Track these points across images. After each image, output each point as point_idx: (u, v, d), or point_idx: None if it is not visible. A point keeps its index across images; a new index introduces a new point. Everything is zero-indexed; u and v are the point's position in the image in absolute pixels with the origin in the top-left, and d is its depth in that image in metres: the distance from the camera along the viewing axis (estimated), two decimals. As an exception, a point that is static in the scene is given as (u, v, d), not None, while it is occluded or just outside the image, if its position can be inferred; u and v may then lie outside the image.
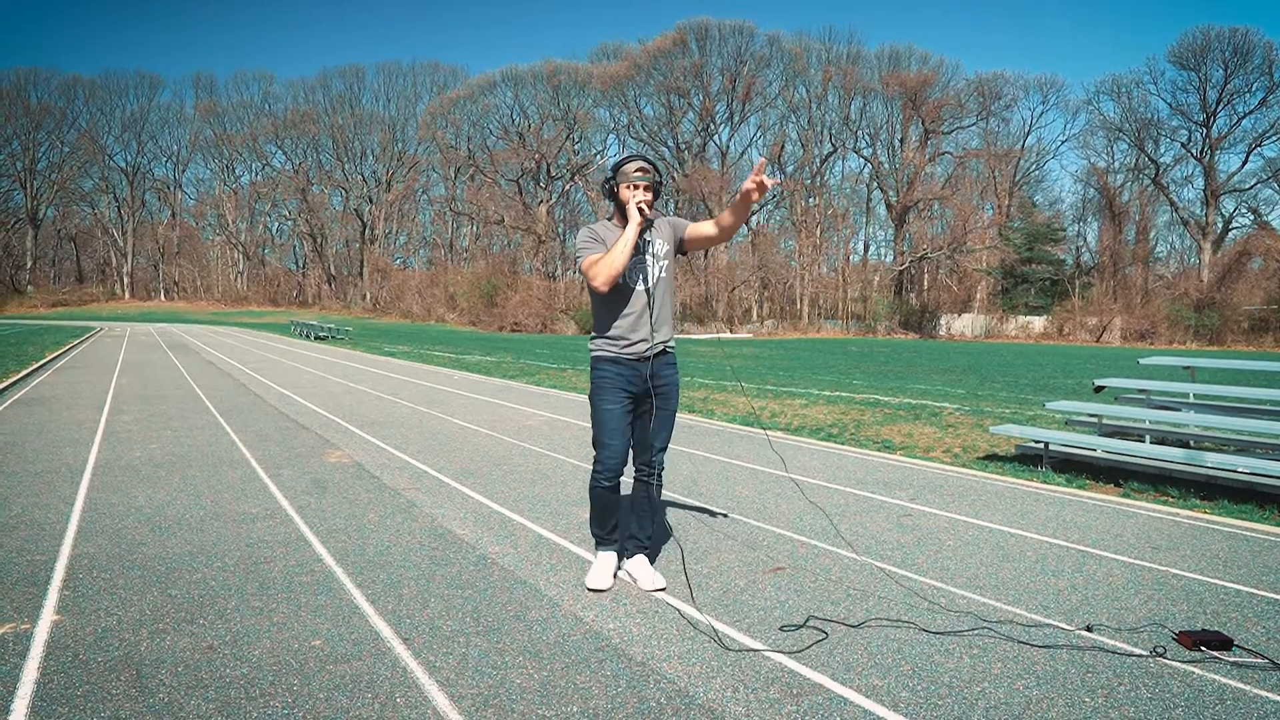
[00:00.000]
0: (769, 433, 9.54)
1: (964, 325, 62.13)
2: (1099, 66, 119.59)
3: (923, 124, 71.68)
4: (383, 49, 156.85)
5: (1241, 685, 3.07)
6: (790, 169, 75.82)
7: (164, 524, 5.25)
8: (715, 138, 77.41)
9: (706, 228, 4.15)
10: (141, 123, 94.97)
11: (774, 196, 76.46)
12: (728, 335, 56.67)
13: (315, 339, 38.94)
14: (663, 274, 4.15)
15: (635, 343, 4.09)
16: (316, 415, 10.77)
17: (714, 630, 3.54)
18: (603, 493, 4.18)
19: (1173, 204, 69.10)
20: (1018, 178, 74.25)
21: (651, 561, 4.34)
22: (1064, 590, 4.12)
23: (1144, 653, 3.35)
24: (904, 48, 76.47)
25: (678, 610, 3.80)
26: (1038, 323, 59.24)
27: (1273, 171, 63.32)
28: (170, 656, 3.23)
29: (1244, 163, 65.44)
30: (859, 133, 75.64)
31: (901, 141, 73.47)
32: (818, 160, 75.27)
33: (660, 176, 4.15)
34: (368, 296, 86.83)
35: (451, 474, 6.98)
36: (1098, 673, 3.17)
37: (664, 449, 4.23)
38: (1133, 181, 69.93)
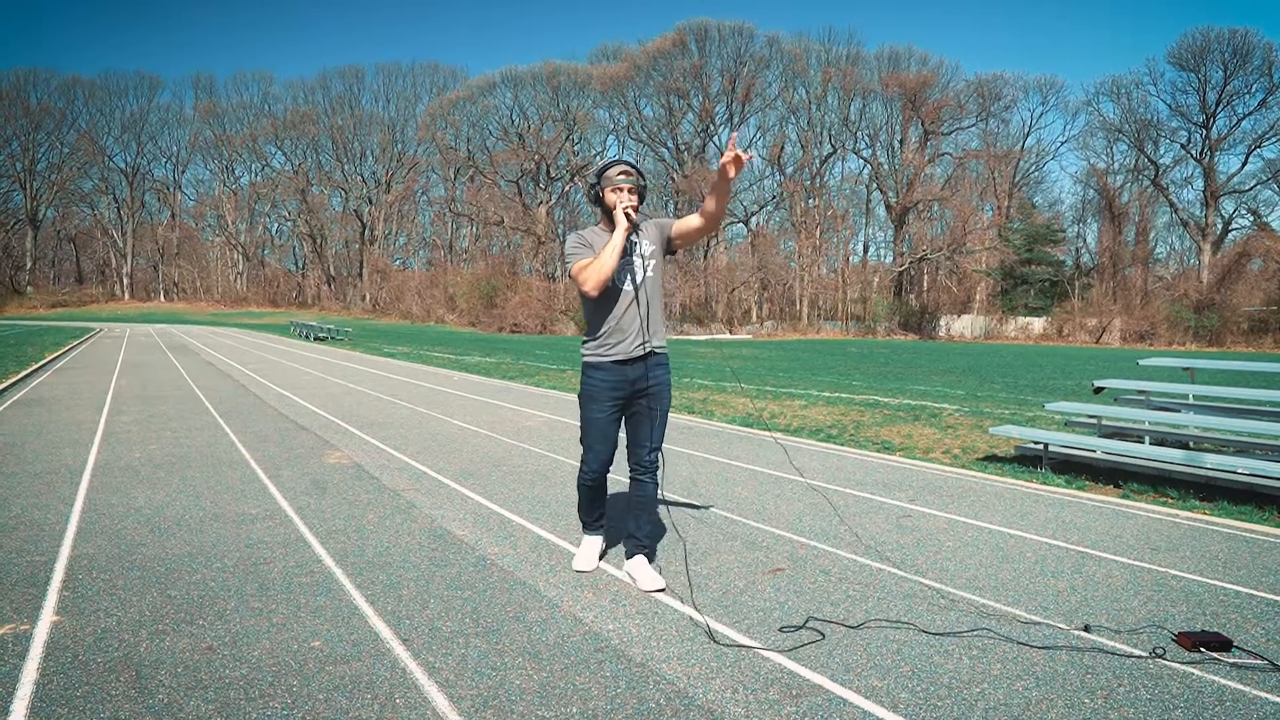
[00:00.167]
0: (775, 435, 9.53)
1: (963, 326, 62.14)
2: (1098, 67, 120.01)
3: (922, 125, 71.72)
4: (382, 50, 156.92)
5: (1241, 686, 3.07)
6: (790, 170, 75.89)
7: (163, 525, 5.25)
8: (715, 139, 77.36)
9: (692, 220, 4.20)
10: (141, 123, 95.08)
11: (773, 197, 76.55)
12: (727, 336, 56.67)
13: (315, 340, 38.95)
14: (650, 274, 4.19)
15: (624, 343, 4.13)
16: (316, 416, 10.77)
17: (707, 626, 3.54)
18: (588, 488, 4.41)
19: (1172, 205, 69.16)
20: (1017, 179, 74.31)
21: (650, 561, 4.36)
22: (1063, 591, 4.12)
23: (1143, 654, 3.35)
24: (903, 48, 76.61)
25: (677, 611, 3.80)
26: (1037, 324, 59.25)
27: (1272, 173, 63.40)
28: (170, 657, 3.23)
29: (1243, 164, 65.58)
30: (858, 134, 75.73)
31: (901, 142, 73.53)
32: (817, 161, 75.30)
33: (644, 179, 4.22)
34: (367, 297, 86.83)
35: (451, 475, 6.98)
36: (1097, 674, 3.17)
37: (657, 448, 4.23)
38: (1132, 182, 70.02)
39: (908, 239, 72.41)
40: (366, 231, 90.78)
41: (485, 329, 59.57)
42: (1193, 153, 66.83)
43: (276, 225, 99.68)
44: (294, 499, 6.00)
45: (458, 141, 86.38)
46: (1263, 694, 3.01)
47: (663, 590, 4.11)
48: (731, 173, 3.82)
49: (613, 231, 4.10)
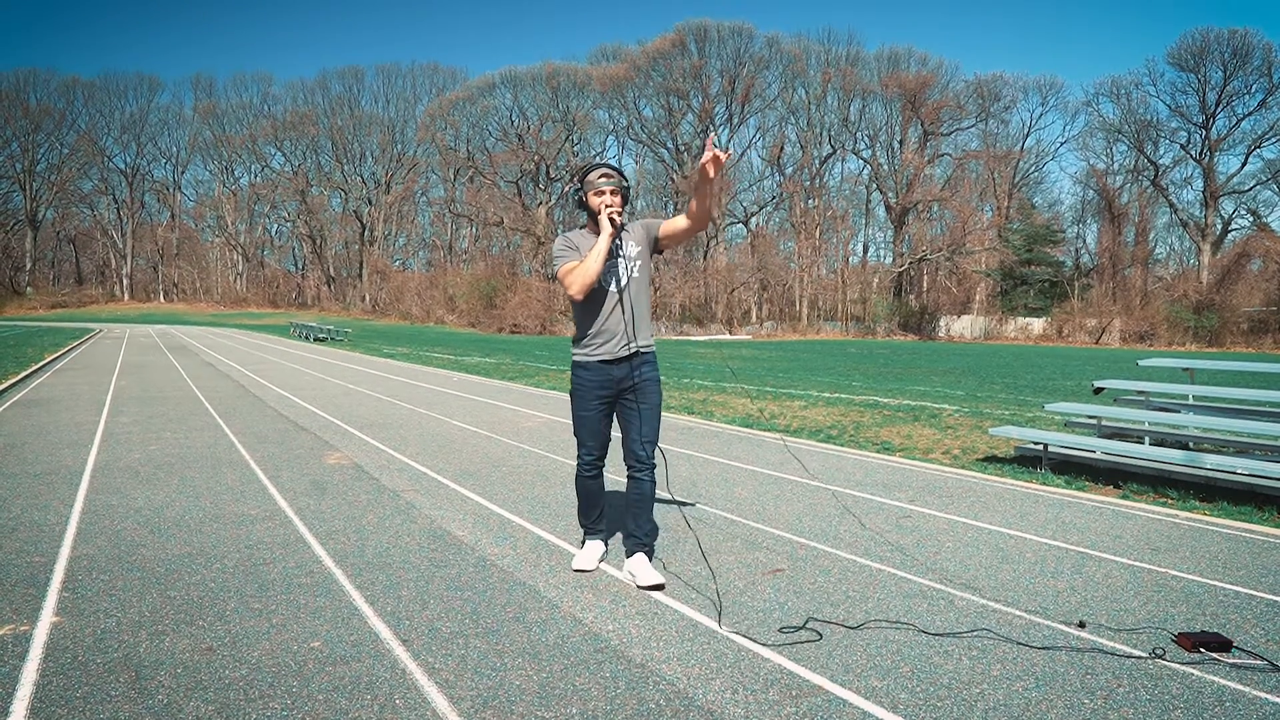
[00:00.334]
0: (783, 437, 9.53)
1: (963, 327, 62.16)
2: (1098, 68, 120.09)
3: (922, 125, 71.75)
4: (382, 51, 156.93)
5: (1240, 687, 3.07)
6: (789, 170, 75.94)
7: (163, 526, 5.25)
8: (715, 139, 77.27)
9: (679, 221, 4.25)
10: (141, 124, 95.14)
11: (773, 198, 76.60)
12: (726, 337, 56.67)
13: (314, 340, 38.96)
14: (635, 274, 4.26)
15: (610, 344, 4.21)
16: (315, 417, 10.77)
17: (719, 605, 3.54)
18: (585, 483, 4.47)
19: (1172, 206, 69.20)
20: (1017, 179, 74.35)
21: (650, 559, 4.39)
22: (1063, 592, 4.12)
23: (1143, 654, 3.35)
24: (903, 49, 76.71)
25: (677, 611, 3.80)
26: (1037, 324, 59.26)
27: (1272, 173, 63.44)
28: (169, 658, 3.23)
29: (1243, 164, 65.61)
30: (858, 134, 75.81)
31: (900, 143, 73.57)
32: (817, 162, 75.35)
33: (626, 180, 4.28)
34: (367, 298, 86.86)
35: (450, 475, 6.98)
36: (1097, 674, 3.17)
37: (652, 443, 4.27)
38: (1132, 183, 70.06)
39: (907, 239, 72.45)
40: (366, 232, 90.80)
41: (485, 330, 59.58)
42: (1192, 153, 66.90)
43: (276, 226, 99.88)
44: (294, 500, 6.00)
45: (457, 142, 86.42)
46: (1262, 694, 3.01)
47: (662, 587, 4.13)
48: (711, 172, 3.89)
49: (598, 234, 4.17)
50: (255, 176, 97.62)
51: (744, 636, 3.51)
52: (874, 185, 75.85)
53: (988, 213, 72.44)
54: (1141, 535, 5.27)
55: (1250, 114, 63.68)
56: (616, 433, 4.40)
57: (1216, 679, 3.14)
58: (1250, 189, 65.42)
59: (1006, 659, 3.30)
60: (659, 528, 5.22)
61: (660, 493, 6.08)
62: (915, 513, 5.81)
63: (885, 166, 74.76)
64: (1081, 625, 3.66)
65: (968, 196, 71.96)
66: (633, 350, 4.21)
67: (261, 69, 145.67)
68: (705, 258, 69.56)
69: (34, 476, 6.78)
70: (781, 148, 76.45)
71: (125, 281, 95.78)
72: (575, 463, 4.50)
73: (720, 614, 3.78)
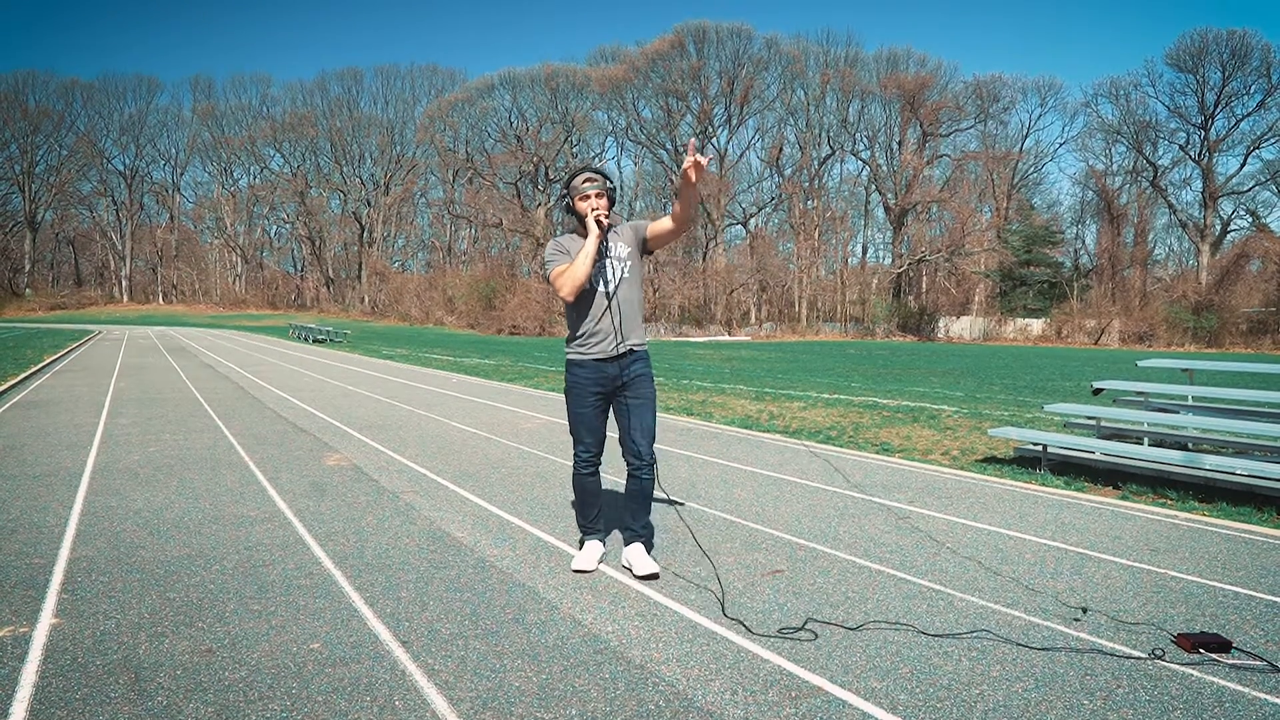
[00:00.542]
0: (809, 444, 9.53)
1: (962, 328, 62.21)
2: (1097, 69, 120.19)
3: (921, 126, 71.80)
4: (381, 52, 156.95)
5: (1240, 688, 3.08)
6: (788, 171, 75.98)
7: (162, 527, 5.25)
8: (714, 140, 77.46)
9: (665, 223, 4.37)
10: (139, 126, 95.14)
11: (772, 199, 76.63)
12: (725, 338, 56.67)
13: (313, 342, 38.95)
14: (626, 275, 4.38)
15: (604, 342, 4.33)
16: (315, 418, 10.76)
17: (721, 597, 3.54)
18: (583, 480, 4.51)
19: (1171, 206, 69.26)
20: (1016, 180, 74.40)
21: (649, 551, 4.53)
22: (1062, 592, 4.12)
23: (1142, 655, 3.35)
24: (902, 50, 76.78)
25: (677, 612, 3.80)
26: (1036, 325, 59.31)
27: (1271, 174, 63.49)
28: (169, 660, 3.23)
29: (1242, 165, 65.73)
30: (857, 135, 75.90)
31: (899, 144, 73.62)
32: (816, 163, 75.41)
33: (611, 182, 4.40)
34: (366, 299, 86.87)
35: (450, 477, 6.98)
36: (1096, 675, 3.17)
37: (649, 439, 4.36)
38: (1131, 184, 70.13)
39: (906, 240, 72.51)
40: (365, 234, 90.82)
41: (484, 331, 59.59)
42: (1191, 154, 66.99)
43: (275, 227, 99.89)
44: (293, 501, 6.00)
45: (456, 144, 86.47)
46: (1262, 695, 3.01)
47: (657, 576, 4.28)
48: (693, 177, 3.98)
49: (586, 238, 4.29)
50: (254, 178, 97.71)
51: (744, 637, 3.51)
52: (873, 186, 75.94)
53: (987, 214, 72.55)
54: (1141, 536, 5.27)
55: (1249, 115, 63.85)
56: (612, 430, 4.47)
57: (1216, 679, 3.14)
58: (1249, 190, 65.55)
59: (1006, 660, 3.30)
60: (655, 528, 5.23)
61: (658, 493, 6.09)
62: (914, 514, 5.81)
63: (884, 167, 74.83)
64: (1084, 611, 3.68)
65: (966, 197, 72.04)
66: (625, 349, 4.33)
67: (260, 70, 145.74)
68: (704, 259, 69.65)
69: (33, 478, 6.77)
70: (780, 149, 76.53)
71: (124, 283, 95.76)
72: (572, 462, 4.54)
73: (723, 603, 3.85)
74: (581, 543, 4.61)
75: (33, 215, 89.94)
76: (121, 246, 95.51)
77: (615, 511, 5.03)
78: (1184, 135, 67.17)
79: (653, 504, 4.59)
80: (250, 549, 4.77)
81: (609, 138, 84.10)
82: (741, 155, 79.33)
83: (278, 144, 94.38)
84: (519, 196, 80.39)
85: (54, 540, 4.94)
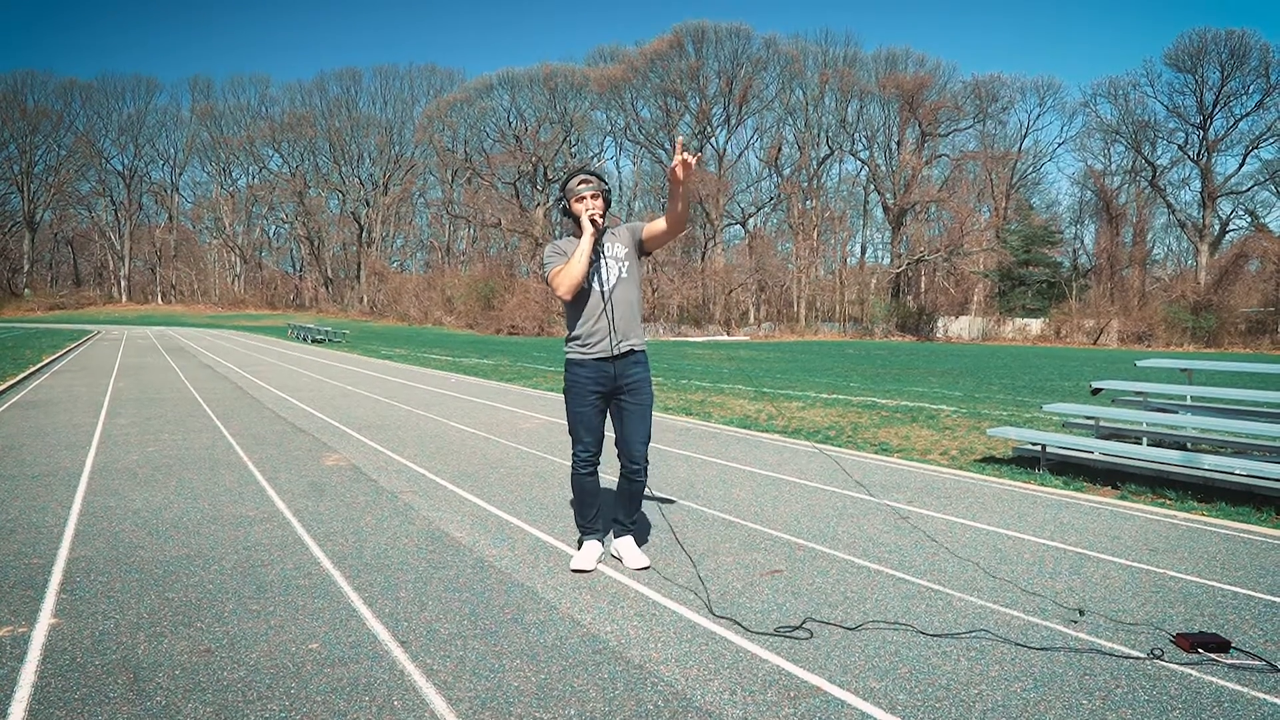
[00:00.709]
0: (820, 446, 9.53)
1: (961, 327, 62.22)
2: (1096, 69, 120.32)
3: (919, 126, 71.82)
4: (379, 52, 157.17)
5: (1239, 688, 3.08)
6: (787, 171, 75.98)
7: (161, 527, 5.25)
8: (712, 140, 77.52)
9: (659, 224, 4.42)
10: (138, 126, 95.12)
11: (771, 199, 76.64)
12: (724, 338, 56.68)
13: (312, 342, 38.94)
14: (623, 275, 4.45)
15: (598, 343, 4.39)
16: (313, 418, 10.76)
17: (707, 597, 3.54)
18: (581, 479, 4.54)
19: (1170, 206, 69.28)
20: (1015, 180, 74.42)
21: (639, 545, 4.64)
22: (1061, 592, 4.13)
23: (1141, 655, 3.35)
24: (901, 50, 76.84)
25: (676, 613, 3.80)
26: (1035, 325, 59.33)
27: (1270, 174, 63.50)
28: (168, 660, 3.23)
29: (1241, 165, 65.75)
30: (856, 135, 75.93)
31: (898, 144, 73.64)
32: (815, 163, 75.44)
33: (606, 184, 4.49)
34: (365, 299, 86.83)
35: (449, 477, 6.98)
36: (1095, 675, 3.17)
37: (645, 442, 4.47)
38: (1129, 184, 70.17)
39: (905, 240, 72.51)
40: (364, 234, 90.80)
41: (483, 331, 59.57)
42: (1190, 154, 67.03)
43: (274, 228, 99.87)
44: (292, 501, 5.99)
45: (455, 144, 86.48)
46: (1261, 695, 3.01)
47: (647, 568, 4.41)
48: (680, 175, 4.03)
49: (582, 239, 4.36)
50: (253, 178, 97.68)
51: (742, 637, 3.51)
52: (871, 186, 75.96)
53: (985, 214, 72.54)
54: (1140, 536, 5.27)
55: (1248, 115, 63.90)
56: (609, 430, 4.51)
57: (1215, 679, 3.14)
58: (1248, 189, 65.57)
59: (1005, 660, 3.30)
60: (652, 527, 5.24)
61: (654, 492, 6.10)
62: (913, 514, 5.81)
63: (883, 167, 74.85)
64: (1081, 613, 3.69)
65: (965, 197, 72.03)
66: (625, 349, 4.39)
67: (259, 70, 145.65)
68: (703, 259, 69.63)
69: (32, 478, 6.77)
70: (779, 149, 76.51)
71: (123, 283, 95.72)
72: (570, 462, 4.57)
73: (710, 603, 3.87)
74: (580, 543, 4.62)
75: (31, 215, 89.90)
76: (120, 247, 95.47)
77: (612, 511, 5.03)
78: (1183, 135, 67.31)
79: (654, 504, 4.60)
80: (249, 549, 4.77)
81: (608, 138, 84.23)
82: (740, 155, 79.45)
83: (276, 144, 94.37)
84: (517, 196, 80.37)
85: (53, 540, 4.94)
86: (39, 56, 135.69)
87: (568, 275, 4.29)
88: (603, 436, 4.52)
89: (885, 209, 74.35)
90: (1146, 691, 3.03)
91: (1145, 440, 7.96)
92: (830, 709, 2.89)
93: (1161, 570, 4.53)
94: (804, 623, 3.66)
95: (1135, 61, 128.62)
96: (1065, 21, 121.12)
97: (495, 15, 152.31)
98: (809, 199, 74.57)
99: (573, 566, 4.44)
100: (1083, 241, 74.07)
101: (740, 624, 3.65)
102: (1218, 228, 65.79)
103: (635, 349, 4.44)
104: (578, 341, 4.43)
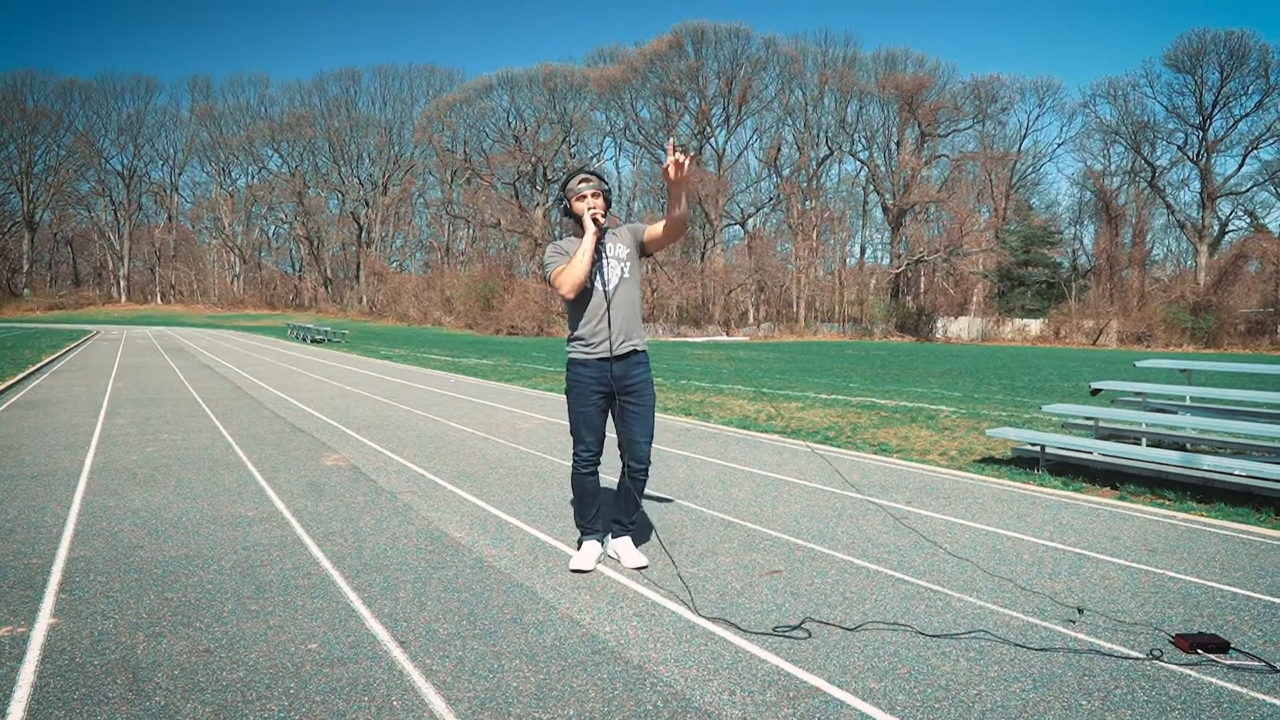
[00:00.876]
0: (812, 445, 9.53)
1: (960, 328, 62.23)
2: (1095, 69, 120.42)
3: (919, 127, 71.85)
4: (379, 52, 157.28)
5: (1238, 688, 3.08)
6: (786, 172, 76.00)
7: (160, 527, 5.25)
8: (712, 141, 77.52)
9: (660, 226, 4.43)
10: (138, 126, 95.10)
11: (770, 199, 76.65)
12: (724, 338, 56.68)
13: (311, 342, 38.93)
14: (625, 275, 4.45)
15: (601, 343, 4.39)
16: (313, 418, 10.76)
17: (691, 599, 3.54)
18: (582, 479, 4.54)
19: (1169, 207, 69.30)
20: (1014, 181, 74.44)
21: (636, 545, 4.65)
22: (1060, 593, 4.13)
23: (1140, 655, 3.35)
24: (900, 50, 76.89)
25: (675, 613, 3.80)
26: (1034, 325, 59.34)
27: (1269, 174, 63.52)
28: (167, 660, 3.23)
29: (1240, 165, 65.79)
30: (855, 135, 75.96)
31: (898, 144, 73.68)
32: (814, 163, 75.48)
33: (606, 183, 4.50)
34: (364, 300, 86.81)
35: (448, 477, 6.98)
36: (1094, 675, 3.17)
37: (648, 442, 4.48)
38: (1129, 184, 70.19)
39: (904, 241, 72.53)
40: (363, 234, 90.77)
41: (482, 331, 59.57)
42: (1189, 154, 67.06)
43: (273, 228, 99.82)
44: (291, 501, 5.99)
45: (454, 144, 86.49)
46: (1260, 695, 3.01)
47: (645, 567, 4.42)
48: (672, 175, 4.02)
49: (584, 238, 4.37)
50: (252, 178, 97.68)
51: (741, 638, 3.51)
52: (871, 186, 75.99)
53: (985, 214, 72.56)
54: (1139, 536, 5.27)
55: (1247, 115, 63.93)
56: (611, 431, 4.51)
57: (1214, 680, 3.14)
58: (1247, 190, 65.61)
59: (1004, 660, 3.30)
60: (653, 527, 5.24)
61: (654, 493, 6.10)
62: (912, 514, 5.81)
63: (882, 168, 74.89)
64: (1080, 611, 3.70)
65: (965, 198, 72.05)
66: (627, 349, 4.39)
67: (259, 70, 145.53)
68: (702, 259, 69.64)
69: (31, 478, 6.77)
70: (778, 149, 76.54)
71: (122, 283, 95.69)
72: (571, 462, 4.58)
73: (694, 603, 3.90)
74: (580, 543, 4.62)
75: (31, 215, 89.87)
76: (119, 246, 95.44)
77: (612, 511, 5.03)
78: (1182, 136, 67.33)
79: (654, 504, 4.59)
80: (248, 549, 4.77)
81: (607, 138, 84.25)
82: (739, 156, 79.46)
83: (276, 144, 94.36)
84: (517, 197, 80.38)
85: (52, 540, 4.93)
86: (39, 56, 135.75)
87: (570, 274, 4.29)
88: (604, 436, 4.52)
89: (884, 209, 74.39)
90: (1146, 692, 3.03)
91: (1144, 441, 7.96)
92: (829, 709, 2.89)
93: (1161, 571, 4.54)
94: (803, 623, 3.66)
95: (1135, 62, 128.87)
96: (1065, 22, 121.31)
97: (495, 15, 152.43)
98: (808, 199, 74.61)
99: (572, 567, 4.43)
100: (1082, 242, 74.22)
101: (738, 625, 3.65)
102: (1217, 228, 65.83)
103: (637, 349, 4.44)
104: (580, 341, 4.43)
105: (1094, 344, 53.51)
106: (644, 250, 4.55)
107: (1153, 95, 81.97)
